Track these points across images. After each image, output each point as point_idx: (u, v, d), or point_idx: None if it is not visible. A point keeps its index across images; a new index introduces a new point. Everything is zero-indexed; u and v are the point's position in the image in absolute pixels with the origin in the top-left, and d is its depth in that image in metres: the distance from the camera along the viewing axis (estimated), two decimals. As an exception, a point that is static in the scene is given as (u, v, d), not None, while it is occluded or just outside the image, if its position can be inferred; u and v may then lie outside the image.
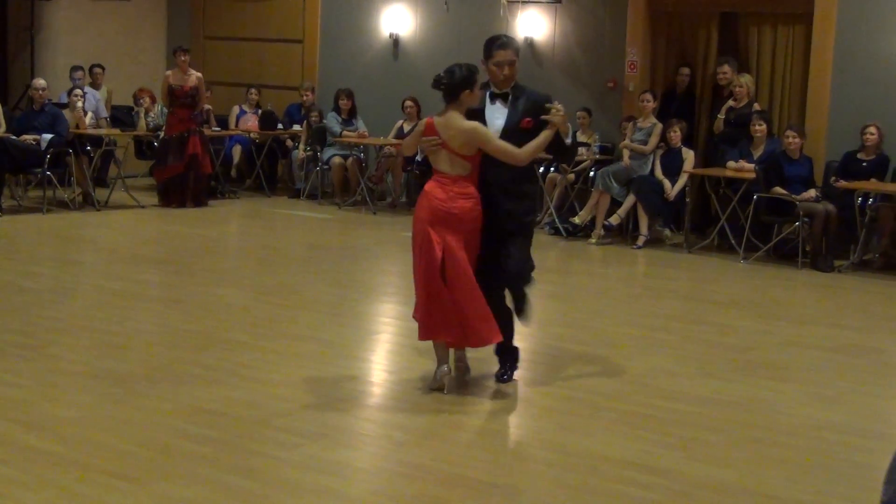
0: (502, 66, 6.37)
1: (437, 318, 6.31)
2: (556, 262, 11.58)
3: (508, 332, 6.67)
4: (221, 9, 16.68)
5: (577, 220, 12.44)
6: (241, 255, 11.54)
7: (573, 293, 9.97)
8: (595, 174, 12.54)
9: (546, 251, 11.93)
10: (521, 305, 6.68)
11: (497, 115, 6.40)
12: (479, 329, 6.29)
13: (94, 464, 5.14)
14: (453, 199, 6.22)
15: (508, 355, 6.81)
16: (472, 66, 6.28)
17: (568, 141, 6.43)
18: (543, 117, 6.26)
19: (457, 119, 6.22)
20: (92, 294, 9.11)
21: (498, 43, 6.44)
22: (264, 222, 13.17)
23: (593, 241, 12.25)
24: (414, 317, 6.52)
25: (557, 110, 6.26)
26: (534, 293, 9.90)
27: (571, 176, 12.84)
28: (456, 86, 6.21)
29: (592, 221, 12.39)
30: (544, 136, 6.24)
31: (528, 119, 6.32)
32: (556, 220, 12.62)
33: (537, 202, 6.76)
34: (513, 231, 6.40)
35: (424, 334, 6.44)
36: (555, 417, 6.19)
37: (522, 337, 8.29)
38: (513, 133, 6.29)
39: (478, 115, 6.34)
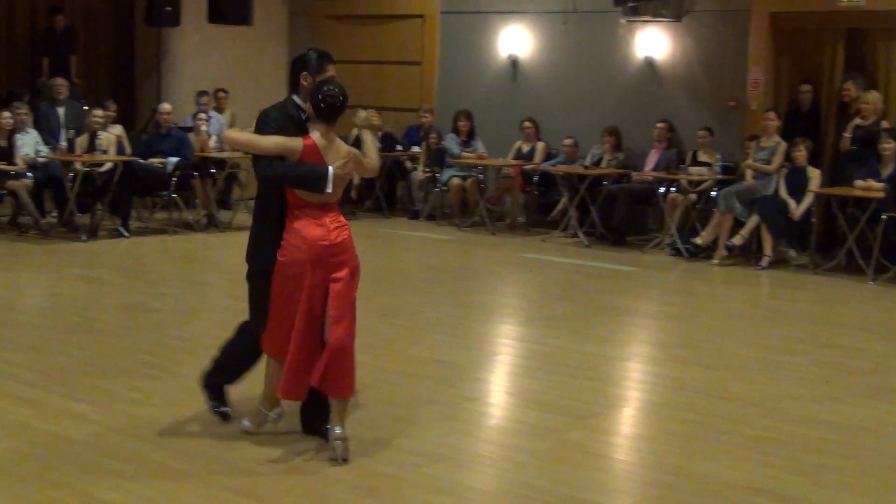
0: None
1: (304, 368, 5.60)
2: (677, 284, 11.43)
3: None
4: (341, 32, 16.87)
5: (698, 240, 12.26)
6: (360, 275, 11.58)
7: (695, 315, 9.81)
8: (717, 194, 12.35)
9: (667, 272, 11.79)
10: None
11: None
12: (340, 381, 5.61)
13: (219, 481, 5.21)
14: (332, 231, 5.66)
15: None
16: None
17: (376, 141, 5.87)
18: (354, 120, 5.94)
19: (340, 142, 5.73)
20: (217, 314, 9.25)
21: (330, 57, 5.80)
22: (383, 243, 13.25)
23: (716, 261, 12.06)
24: (268, 352, 5.80)
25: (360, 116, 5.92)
26: (655, 314, 9.83)
27: (693, 196, 12.66)
28: (343, 108, 5.67)
29: (715, 242, 12.20)
30: (369, 139, 5.89)
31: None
32: (678, 240, 12.46)
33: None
34: None
35: (293, 391, 5.64)
36: (677, 441, 6.09)
37: (643, 359, 8.22)
38: None
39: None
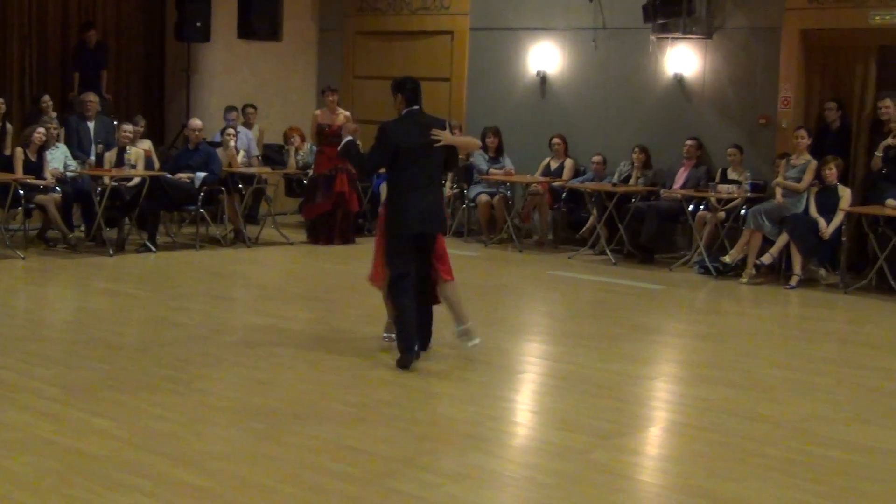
0: None
1: None
2: (705, 302, 11.35)
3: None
4: (370, 49, 16.88)
5: (727, 258, 12.16)
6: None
7: (723, 334, 9.72)
8: (746, 212, 12.26)
9: (695, 291, 11.70)
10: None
11: None
12: None
13: (239, 500, 5.18)
14: None
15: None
16: None
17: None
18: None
19: None
20: (241, 330, 9.25)
21: None
22: (411, 259, 13.19)
23: (744, 280, 11.96)
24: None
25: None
26: (682, 333, 9.75)
27: (722, 214, 12.57)
28: None
29: (743, 260, 12.10)
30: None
31: None
32: (706, 259, 12.37)
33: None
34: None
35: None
36: (703, 462, 6.01)
37: (670, 378, 8.14)
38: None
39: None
